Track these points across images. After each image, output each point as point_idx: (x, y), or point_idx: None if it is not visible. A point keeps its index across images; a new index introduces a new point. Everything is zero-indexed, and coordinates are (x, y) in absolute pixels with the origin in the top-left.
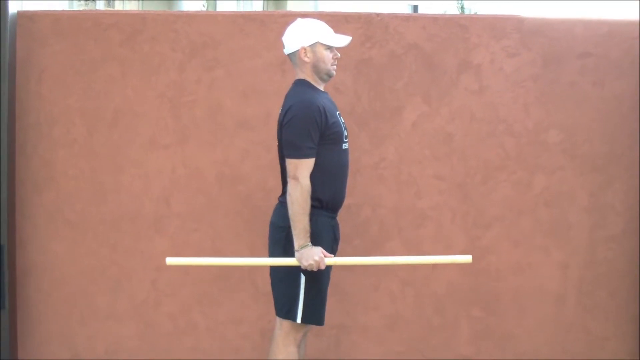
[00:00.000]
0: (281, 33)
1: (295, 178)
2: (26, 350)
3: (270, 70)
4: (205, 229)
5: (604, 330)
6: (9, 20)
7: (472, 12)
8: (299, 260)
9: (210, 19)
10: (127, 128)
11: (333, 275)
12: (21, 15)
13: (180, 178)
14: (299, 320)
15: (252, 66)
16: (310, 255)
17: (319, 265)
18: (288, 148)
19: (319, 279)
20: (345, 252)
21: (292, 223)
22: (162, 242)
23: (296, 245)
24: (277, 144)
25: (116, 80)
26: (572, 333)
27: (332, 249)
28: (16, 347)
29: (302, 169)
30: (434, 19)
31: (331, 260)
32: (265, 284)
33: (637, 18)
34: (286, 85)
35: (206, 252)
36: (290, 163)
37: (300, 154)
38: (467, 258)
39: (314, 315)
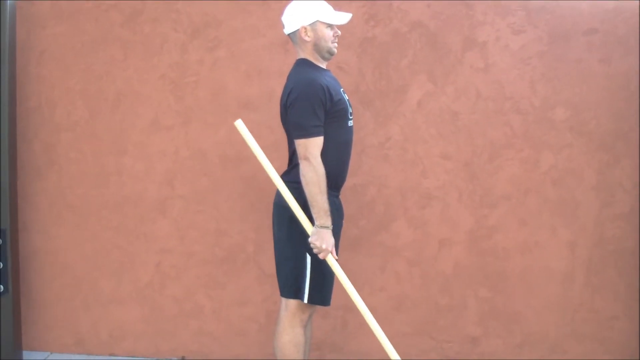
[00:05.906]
0: (283, 12)
1: (307, 158)
2: (30, 335)
3: (273, 49)
4: (209, 210)
5: (613, 310)
6: (8, 2)
7: None
8: (313, 234)
9: None
10: (129, 110)
11: (339, 257)
12: None
13: (183, 159)
14: (305, 300)
15: (254, 46)
16: (325, 239)
17: (325, 254)
18: (295, 129)
19: (324, 260)
20: (351, 233)
21: (310, 203)
22: (165, 225)
23: (317, 222)
24: (281, 124)
25: (117, 61)
26: (580, 312)
27: (339, 226)
28: (20, 331)
29: (311, 148)
30: None
31: (332, 260)
32: (270, 265)
33: None
34: (289, 65)
35: (211, 233)
36: (299, 144)
37: (307, 134)
38: None
39: (320, 295)
